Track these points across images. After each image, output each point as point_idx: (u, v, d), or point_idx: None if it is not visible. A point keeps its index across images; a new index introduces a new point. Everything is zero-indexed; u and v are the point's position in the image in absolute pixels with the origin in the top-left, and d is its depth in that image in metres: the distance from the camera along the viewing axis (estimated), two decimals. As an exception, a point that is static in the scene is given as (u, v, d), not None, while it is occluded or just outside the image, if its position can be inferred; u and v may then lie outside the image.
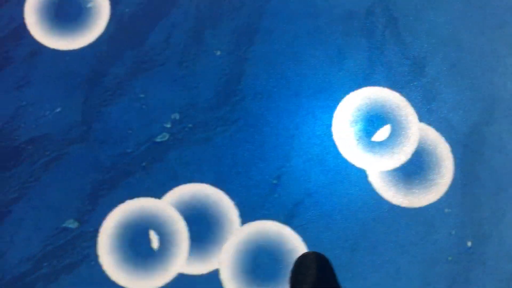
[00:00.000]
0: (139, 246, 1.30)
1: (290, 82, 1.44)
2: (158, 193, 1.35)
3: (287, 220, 1.34)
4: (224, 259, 1.29)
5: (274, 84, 1.44)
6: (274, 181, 1.37)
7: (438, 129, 1.41)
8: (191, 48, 1.46)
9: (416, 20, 1.51)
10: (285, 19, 1.49)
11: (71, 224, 1.33)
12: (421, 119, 1.41)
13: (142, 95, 1.42)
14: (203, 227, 1.32)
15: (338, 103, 1.43)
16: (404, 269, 1.30)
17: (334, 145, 1.40)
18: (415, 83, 1.45)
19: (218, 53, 1.46)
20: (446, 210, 1.34)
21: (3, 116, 1.40)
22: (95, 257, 1.31)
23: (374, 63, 1.46)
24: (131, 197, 1.35)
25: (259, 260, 1.28)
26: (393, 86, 1.44)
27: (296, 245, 1.30)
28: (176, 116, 1.41)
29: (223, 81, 1.44)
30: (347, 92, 1.44)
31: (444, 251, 1.31)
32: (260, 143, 1.40)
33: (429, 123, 1.42)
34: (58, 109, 1.41)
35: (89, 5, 1.47)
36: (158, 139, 1.40)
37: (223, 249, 1.30)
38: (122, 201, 1.34)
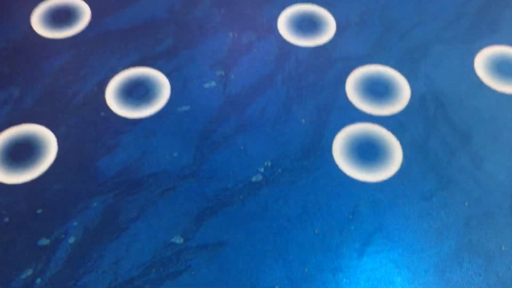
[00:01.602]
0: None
1: (361, 143, 1.79)
2: (250, 221, 1.62)
3: (362, 248, 1.55)
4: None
5: (348, 144, 1.79)
6: (350, 216, 1.62)
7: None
8: (282, 116, 1.87)
9: (460, 105, 1.90)
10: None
11: (178, 239, 1.59)
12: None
13: (242, 147, 1.79)
14: (290, 246, 1.54)
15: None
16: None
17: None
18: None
19: (303, 121, 1.85)
20: None
21: (133, 156, 1.77)
22: (196, 268, 1.53)
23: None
24: (229, 222, 1.62)
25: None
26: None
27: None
28: (269, 163, 1.75)
29: (307, 141, 1.80)
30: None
31: None
32: (336, 186, 1.69)
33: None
34: (175, 154, 1.78)
35: (207, 85, 1.94)
36: (253, 179, 1.71)
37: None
38: (221, 224, 1.61)
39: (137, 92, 1.93)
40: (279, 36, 2.09)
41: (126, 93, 1.92)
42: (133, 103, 1.90)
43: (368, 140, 1.81)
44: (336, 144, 1.79)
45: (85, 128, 1.84)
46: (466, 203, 1.67)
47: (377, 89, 1.94)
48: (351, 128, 1.84)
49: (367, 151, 1.78)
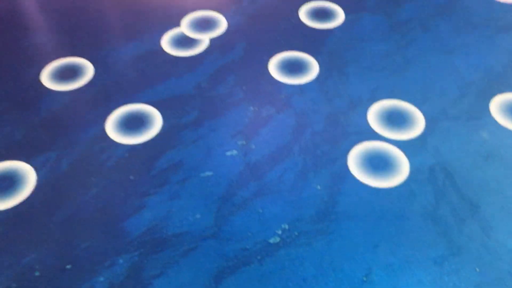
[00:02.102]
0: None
1: (373, 209, 1.89)
2: (268, 280, 1.69)
3: (376, 309, 1.60)
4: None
5: (361, 210, 1.89)
6: (364, 278, 1.69)
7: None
8: (298, 183, 1.99)
9: (468, 176, 2.01)
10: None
11: (198, 297, 1.66)
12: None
13: (260, 210, 1.90)
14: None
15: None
16: None
17: (412, 255, 1.74)
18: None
19: (319, 187, 1.97)
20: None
21: (158, 217, 1.89)
22: (214, 324, 1.59)
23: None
24: (248, 281, 1.69)
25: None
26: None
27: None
28: (286, 226, 1.85)
29: (322, 206, 1.91)
30: (419, 219, 1.85)
31: None
32: (351, 249, 1.77)
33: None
34: (198, 215, 1.89)
35: (229, 153, 2.10)
36: (271, 241, 1.80)
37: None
38: (239, 283, 1.69)
39: (163, 158, 2.09)
40: (296, 110, 2.27)
41: (152, 160, 2.08)
42: (160, 168, 2.05)
43: (380, 207, 1.90)
44: (350, 210, 1.89)
45: (115, 190, 1.98)
46: (477, 269, 1.72)
47: (388, 160, 2.06)
48: (364, 195, 1.95)
49: (379, 217, 1.87)
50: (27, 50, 2.62)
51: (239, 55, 2.58)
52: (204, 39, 2.65)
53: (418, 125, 2.21)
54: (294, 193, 1.96)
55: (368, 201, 1.92)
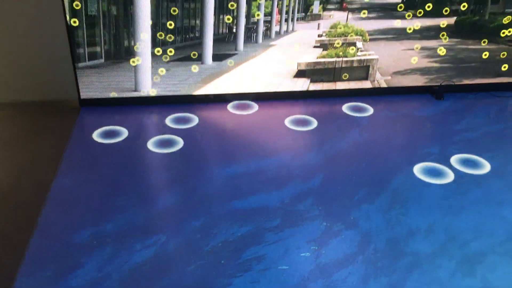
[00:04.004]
0: None
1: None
2: None
3: None
4: None
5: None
6: None
7: None
8: (360, 285, 2.35)
9: None
10: None
11: None
12: None
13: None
14: None
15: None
16: None
17: None
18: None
19: (377, 291, 2.32)
20: None
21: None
22: None
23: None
24: None
25: None
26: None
27: None
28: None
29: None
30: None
31: None
32: None
33: None
34: (273, 298, 2.28)
35: (303, 255, 2.54)
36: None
37: None
38: None
39: (249, 251, 2.56)
40: (362, 230, 2.72)
41: (240, 251, 2.56)
42: (246, 257, 2.51)
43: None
44: (403, 312, 2.20)
45: (208, 269, 2.45)
46: None
47: (440, 280, 2.39)
48: (417, 304, 2.26)
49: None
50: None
51: (318, 183, 3.15)
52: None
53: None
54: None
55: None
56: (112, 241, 2.62)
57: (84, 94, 4.19)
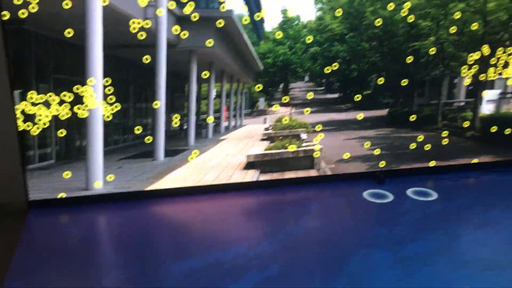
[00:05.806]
0: None
1: None
2: None
3: None
4: None
5: None
6: None
7: None
8: None
9: None
10: None
11: None
12: None
13: None
14: None
15: None
16: None
17: None
18: None
19: None
20: None
21: None
22: None
23: None
24: None
25: None
26: None
27: None
28: None
29: None
30: None
31: None
32: None
33: None
34: None
35: None
36: None
37: None
38: None
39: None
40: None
41: None
42: None
43: None
44: None
45: None
46: None
47: None
48: None
49: None
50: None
51: (275, 272, 3.20)
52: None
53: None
54: None
55: None
56: None
57: (33, 196, 4.13)
